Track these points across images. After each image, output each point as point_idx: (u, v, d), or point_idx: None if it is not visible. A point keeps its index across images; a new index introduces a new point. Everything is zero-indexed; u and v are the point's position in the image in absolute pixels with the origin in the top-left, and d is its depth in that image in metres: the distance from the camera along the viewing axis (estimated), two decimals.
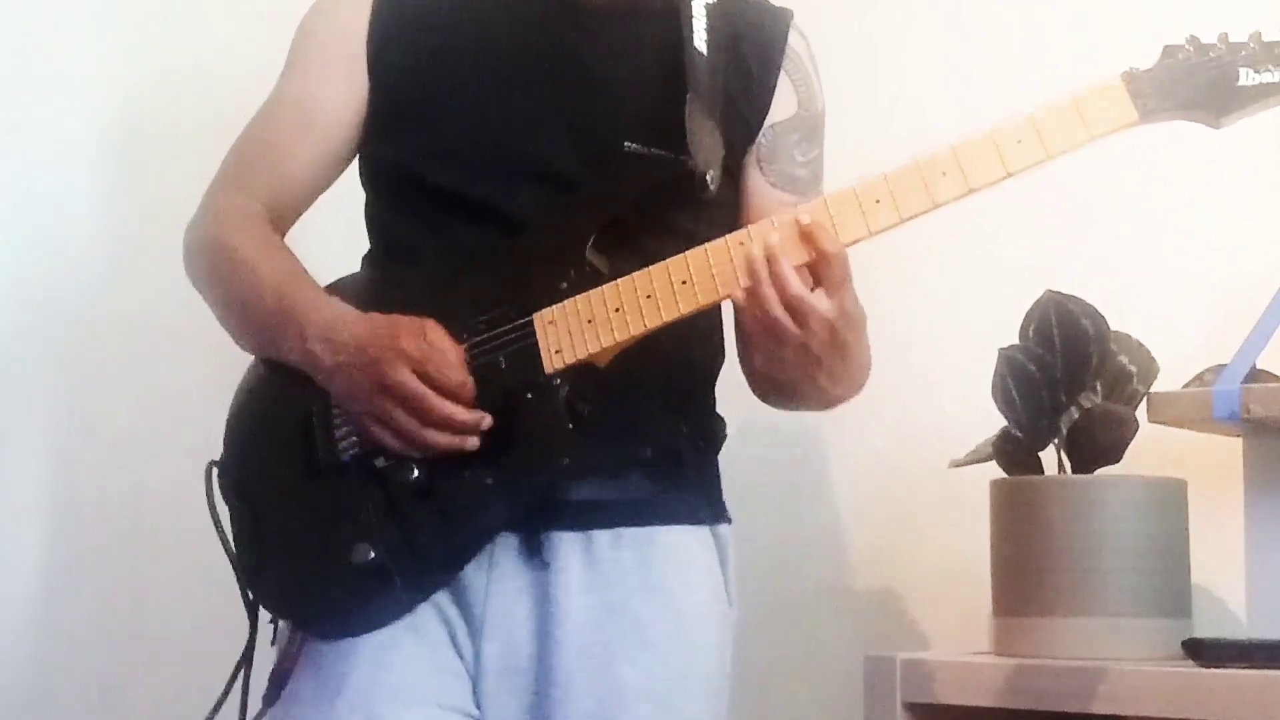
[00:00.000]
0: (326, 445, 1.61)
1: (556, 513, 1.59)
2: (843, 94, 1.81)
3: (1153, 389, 1.77)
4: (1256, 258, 1.94)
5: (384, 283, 1.68)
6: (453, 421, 1.53)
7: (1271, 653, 1.56)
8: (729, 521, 1.73)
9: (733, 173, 1.68)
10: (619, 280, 1.54)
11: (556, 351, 1.55)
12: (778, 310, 1.46)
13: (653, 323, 1.52)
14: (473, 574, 1.59)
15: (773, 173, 1.71)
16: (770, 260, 1.47)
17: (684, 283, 1.52)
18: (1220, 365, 1.72)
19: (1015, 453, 1.83)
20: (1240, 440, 1.79)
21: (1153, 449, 1.81)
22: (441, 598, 1.59)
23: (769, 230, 1.49)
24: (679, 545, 1.64)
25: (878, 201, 1.48)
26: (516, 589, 1.59)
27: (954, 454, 1.92)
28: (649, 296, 1.52)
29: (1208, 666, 1.57)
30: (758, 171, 1.71)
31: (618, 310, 1.53)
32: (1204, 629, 1.74)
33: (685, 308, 1.52)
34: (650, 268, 1.53)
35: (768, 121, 1.70)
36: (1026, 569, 1.75)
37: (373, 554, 1.55)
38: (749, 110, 1.70)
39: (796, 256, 1.47)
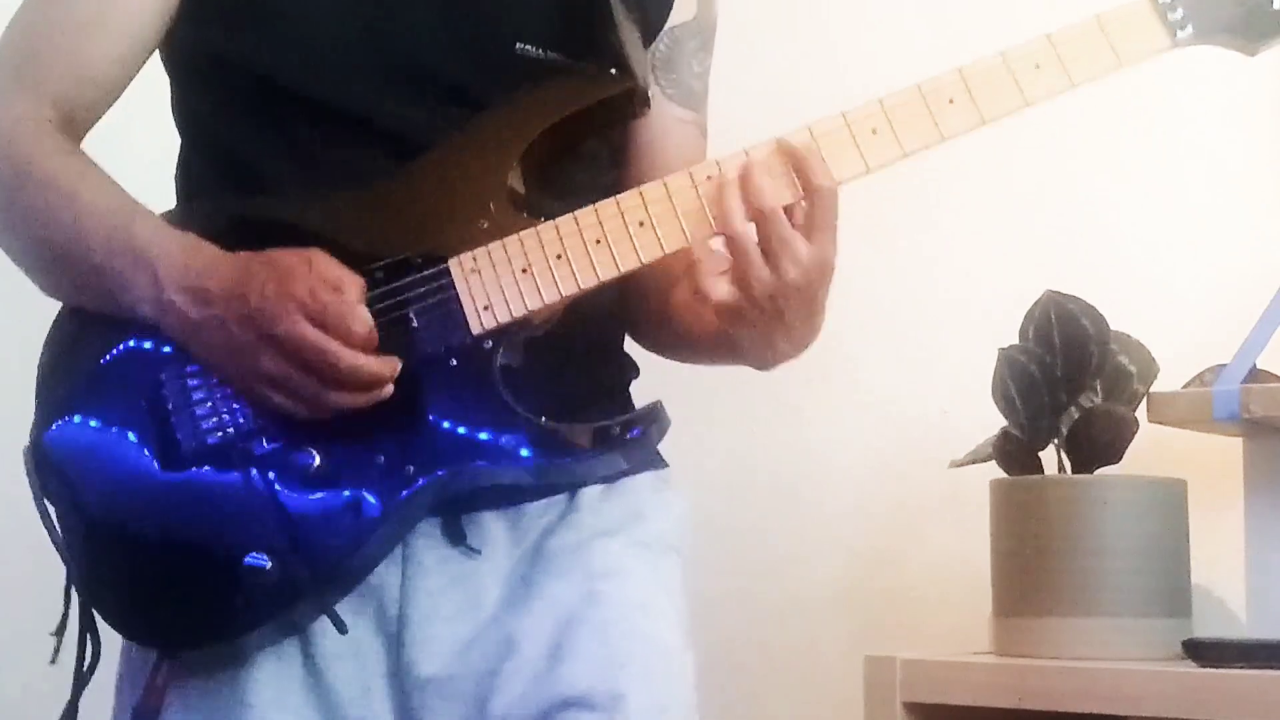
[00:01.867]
0: (187, 425, 1.28)
1: (483, 491, 1.31)
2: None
3: (1153, 389, 1.77)
4: (1256, 258, 1.94)
5: (234, 217, 1.33)
6: (362, 375, 1.24)
7: (1271, 653, 1.55)
8: (665, 466, 1.45)
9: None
10: (558, 220, 1.27)
11: (485, 307, 1.26)
12: (740, 229, 1.24)
13: (606, 273, 1.27)
14: (384, 572, 1.31)
15: (670, 83, 1.48)
16: (744, 172, 1.25)
17: (641, 224, 1.26)
18: (1220, 365, 1.72)
19: (1015, 453, 1.82)
20: (1240, 440, 1.79)
21: (1153, 449, 1.81)
22: (345, 609, 1.29)
23: (750, 150, 1.27)
24: (618, 505, 1.38)
25: (874, 131, 1.27)
26: (441, 585, 1.32)
27: (954, 454, 1.92)
28: (599, 241, 1.26)
29: (1208, 666, 1.57)
30: (653, 81, 1.46)
31: (559, 257, 1.26)
32: (1204, 629, 1.74)
33: (647, 255, 1.27)
34: (597, 205, 1.27)
35: (667, 24, 1.47)
36: (1026, 569, 1.75)
37: (269, 564, 1.25)
38: (653, 10, 1.46)
39: (777, 195, 1.26)
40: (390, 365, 1.25)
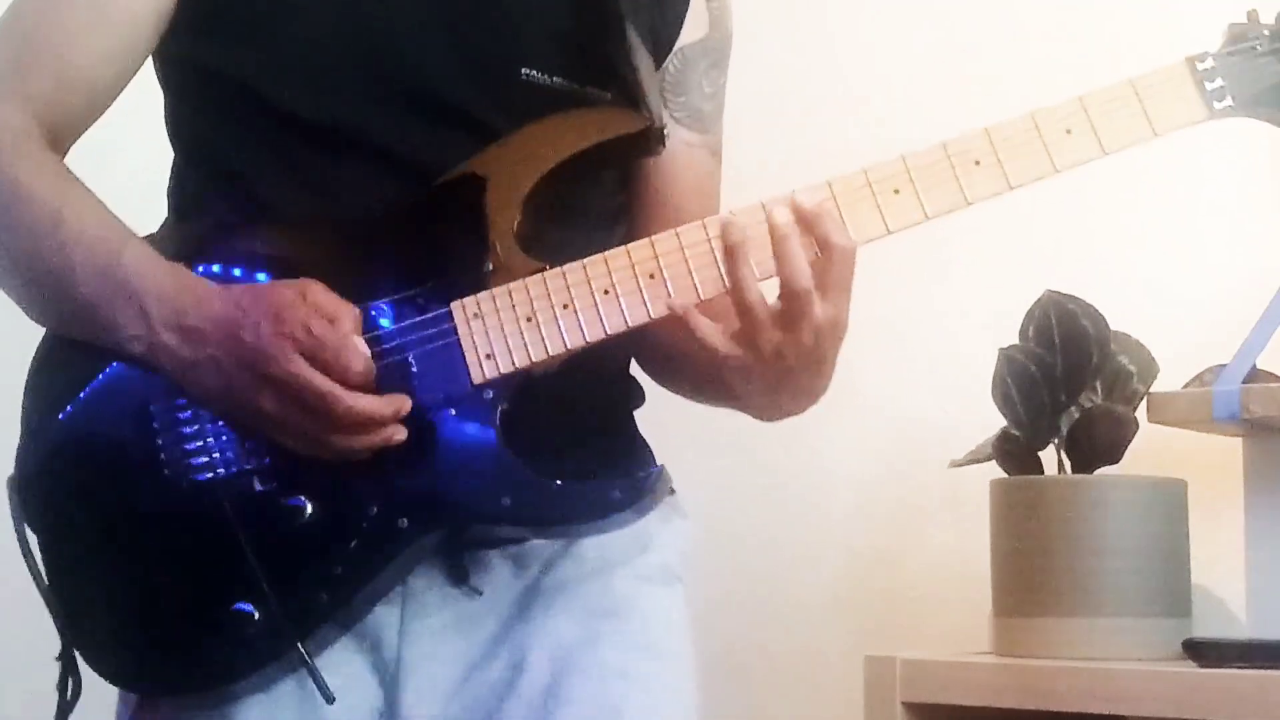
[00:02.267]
0: (176, 461, 1.23)
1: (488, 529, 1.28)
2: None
3: (1153, 389, 1.77)
4: (1256, 257, 1.94)
5: (224, 245, 1.27)
6: (361, 416, 1.18)
7: (1271, 653, 1.55)
8: (672, 493, 1.39)
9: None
10: (565, 268, 1.22)
11: (487, 356, 1.21)
12: (756, 299, 1.18)
13: (614, 327, 1.21)
14: (382, 611, 1.27)
15: (679, 106, 1.41)
16: (778, 239, 1.17)
17: (651, 277, 1.21)
18: (1220, 365, 1.72)
19: (1015, 453, 1.82)
20: (1240, 440, 1.79)
21: (1153, 449, 1.81)
22: (341, 648, 1.26)
23: (771, 210, 1.19)
24: (622, 534, 1.31)
25: (897, 192, 1.21)
26: (441, 625, 1.28)
27: (954, 454, 1.92)
28: (607, 292, 1.21)
29: (1208, 666, 1.57)
30: (663, 103, 1.39)
31: (566, 307, 1.21)
32: (1204, 629, 1.74)
33: (656, 310, 1.22)
34: (607, 254, 1.22)
35: (678, 44, 1.40)
36: (1026, 569, 1.75)
37: (256, 614, 1.21)
38: (662, 28, 1.39)
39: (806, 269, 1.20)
40: (393, 405, 1.20)
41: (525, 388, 1.24)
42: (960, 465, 1.91)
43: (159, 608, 1.24)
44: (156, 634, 1.24)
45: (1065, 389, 1.80)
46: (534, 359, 1.21)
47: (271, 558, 1.21)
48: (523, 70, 1.29)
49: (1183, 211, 2.04)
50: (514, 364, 1.21)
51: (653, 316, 1.21)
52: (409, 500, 1.22)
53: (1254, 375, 1.68)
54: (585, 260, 1.22)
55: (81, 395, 1.26)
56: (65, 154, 1.32)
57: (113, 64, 1.31)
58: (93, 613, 1.25)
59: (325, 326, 1.18)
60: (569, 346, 1.21)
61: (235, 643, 1.21)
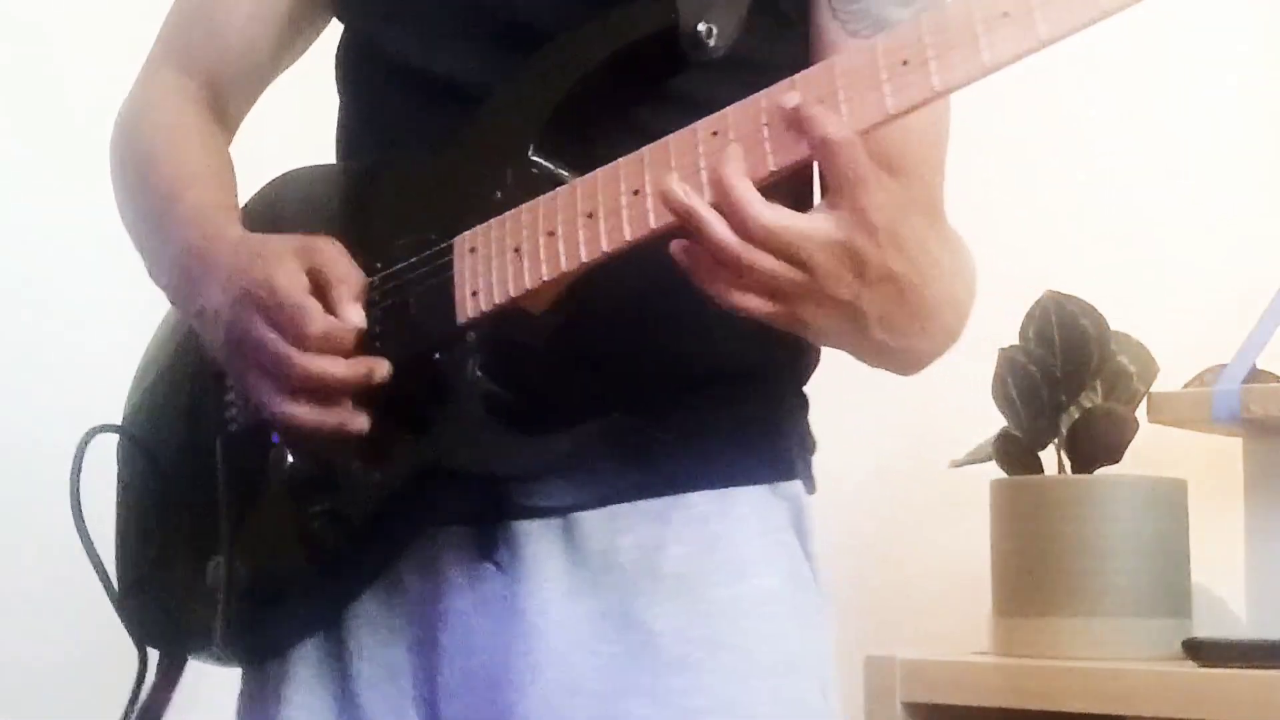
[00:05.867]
0: (215, 409, 1.20)
1: (512, 498, 1.12)
2: None
3: (1153, 389, 1.77)
4: (1256, 257, 1.94)
5: (309, 188, 1.23)
6: (319, 380, 1.06)
7: (1271, 653, 1.55)
8: (803, 480, 1.18)
9: (789, 16, 1.12)
10: (557, 191, 1.05)
11: (473, 293, 1.08)
12: (750, 255, 0.94)
13: (592, 253, 1.03)
14: (421, 588, 1.14)
15: (851, 15, 1.12)
16: (714, 181, 0.95)
17: (636, 193, 1.01)
18: (1220, 365, 1.72)
19: (1015, 453, 1.83)
20: (1240, 440, 1.79)
21: (1153, 449, 1.81)
22: (378, 625, 1.16)
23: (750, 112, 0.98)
24: (717, 515, 1.12)
25: (905, 63, 0.93)
26: (470, 607, 1.12)
27: (954, 454, 1.92)
28: (591, 215, 1.03)
29: (1208, 666, 1.57)
30: (829, 12, 1.12)
31: (551, 234, 1.04)
32: (1204, 629, 1.74)
33: (634, 231, 1.01)
34: (598, 171, 1.03)
35: None
36: (1026, 569, 1.75)
37: (209, 575, 1.16)
38: None
39: (782, 155, 0.97)
40: (360, 367, 1.07)
41: (524, 348, 1.09)
42: (960, 465, 1.91)
43: (161, 564, 1.22)
44: (156, 592, 1.23)
45: (1065, 389, 1.80)
46: (513, 293, 1.06)
47: (264, 514, 1.16)
48: None
49: (1183, 212, 2.04)
50: (494, 300, 1.07)
51: (630, 239, 1.01)
52: (385, 452, 1.10)
53: (1254, 375, 1.68)
54: (576, 181, 1.05)
55: (175, 341, 1.27)
56: (234, 118, 1.34)
57: (261, 32, 1.30)
58: (123, 566, 1.25)
59: (290, 285, 1.07)
60: (545, 278, 1.05)
61: (202, 608, 1.16)
